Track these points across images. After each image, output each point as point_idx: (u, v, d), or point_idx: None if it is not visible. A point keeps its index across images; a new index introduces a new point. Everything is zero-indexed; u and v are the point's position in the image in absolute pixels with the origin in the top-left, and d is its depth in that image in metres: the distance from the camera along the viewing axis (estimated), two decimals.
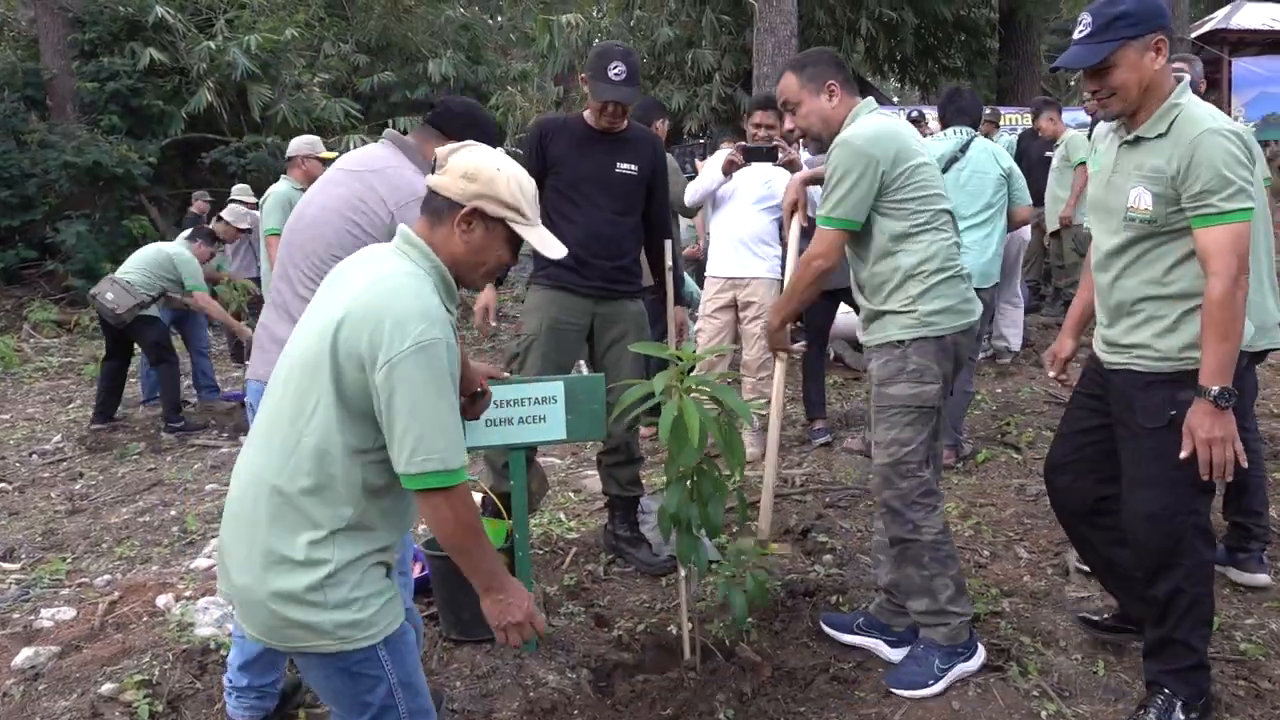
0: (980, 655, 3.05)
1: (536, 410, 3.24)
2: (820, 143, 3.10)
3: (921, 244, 2.95)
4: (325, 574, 1.89)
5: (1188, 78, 2.57)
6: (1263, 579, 3.53)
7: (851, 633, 3.31)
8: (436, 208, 2.05)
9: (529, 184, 2.08)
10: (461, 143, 2.13)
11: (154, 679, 3.11)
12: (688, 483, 3.01)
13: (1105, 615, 3.20)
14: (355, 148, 14.71)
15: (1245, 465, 2.49)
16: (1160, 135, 2.49)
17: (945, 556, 3.01)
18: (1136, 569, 2.77)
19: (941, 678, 2.97)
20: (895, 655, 3.17)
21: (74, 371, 9.37)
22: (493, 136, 2.83)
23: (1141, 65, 2.48)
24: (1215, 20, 15.82)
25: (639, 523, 4.09)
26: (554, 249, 2.13)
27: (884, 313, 3.00)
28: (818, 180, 3.45)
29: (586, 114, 3.81)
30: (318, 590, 1.89)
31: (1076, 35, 2.57)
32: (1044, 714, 2.82)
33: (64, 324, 11.36)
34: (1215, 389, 2.40)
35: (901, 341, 2.96)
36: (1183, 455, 2.46)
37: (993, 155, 4.98)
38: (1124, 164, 2.58)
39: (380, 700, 2.00)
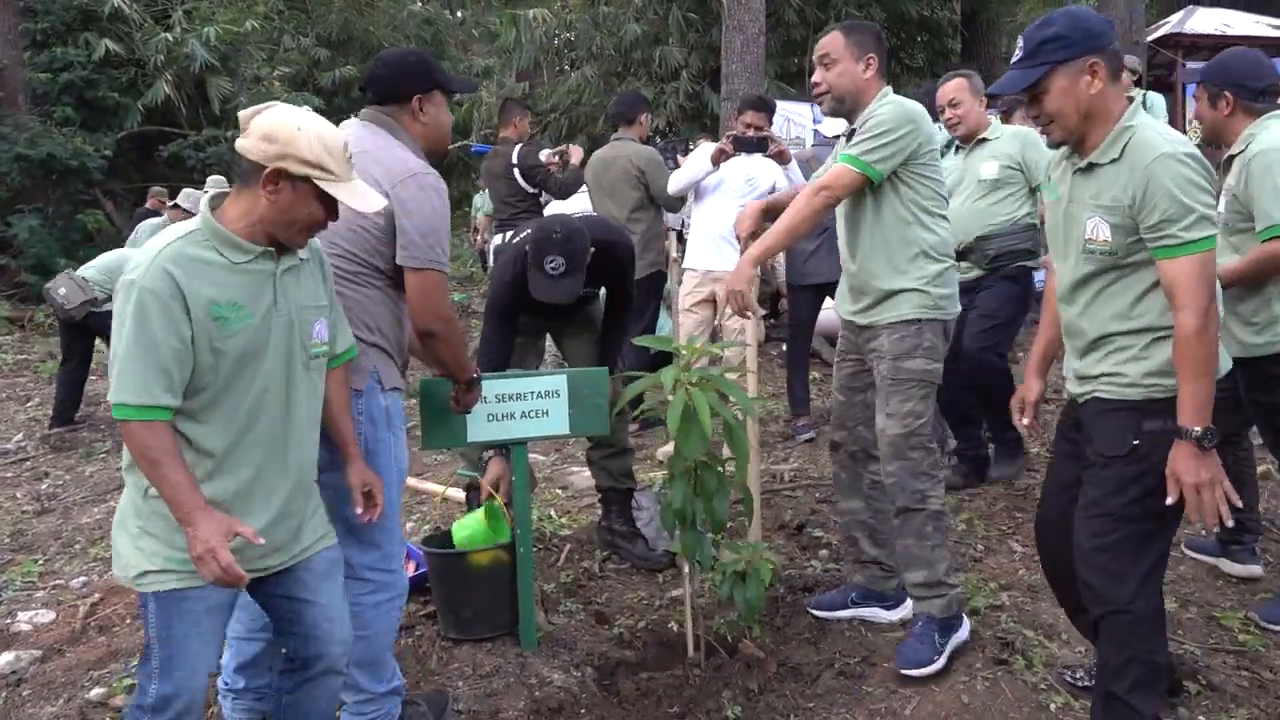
0: (967, 625, 3.16)
1: (539, 404, 3.19)
2: (841, 105, 3.10)
3: (940, 226, 3.08)
4: (133, 505, 2.11)
5: (1139, 98, 2.49)
6: (1256, 570, 3.58)
7: (846, 608, 3.40)
8: (244, 170, 2.11)
9: (334, 138, 2.12)
10: (266, 104, 2.16)
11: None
12: (692, 478, 3.00)
13: (1090, 677, 2.87)
14: None
15: (1240, 505, 2.32)
16: (1114, 161, 2.33)
17: (944, 528, 3.14)
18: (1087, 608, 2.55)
19: (943, 651, 3.04)
20: (893, 616, 3.33)
21: (29, 369, 9.11)
22: (429, 66, 2.75)
23: (1076, 91, 2.34)
24: (1169, 25, 16.14)
25: (634, 518, 4.04)
26: (367, 202, 2.17)
27: (897, 291, 3.03)
28: (777, 210, 3.39)
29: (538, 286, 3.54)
30: (131, 519, 2.12)
31: (1013, 58, 2.45)
32: (1052, 706, 2.82)
33: (17, 320, 11.03)
34: (1198, 430, 2.22)
35: (917, 320, 3.03)
36: (1169, 501, 2.27)
37: None
38: (1079, 193, 2.42)
39: (146, 648, 2.15)
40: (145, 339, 1.98)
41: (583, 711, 2.92)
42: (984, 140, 4.40)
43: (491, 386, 3.12)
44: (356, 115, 2.72)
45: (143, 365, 1.98)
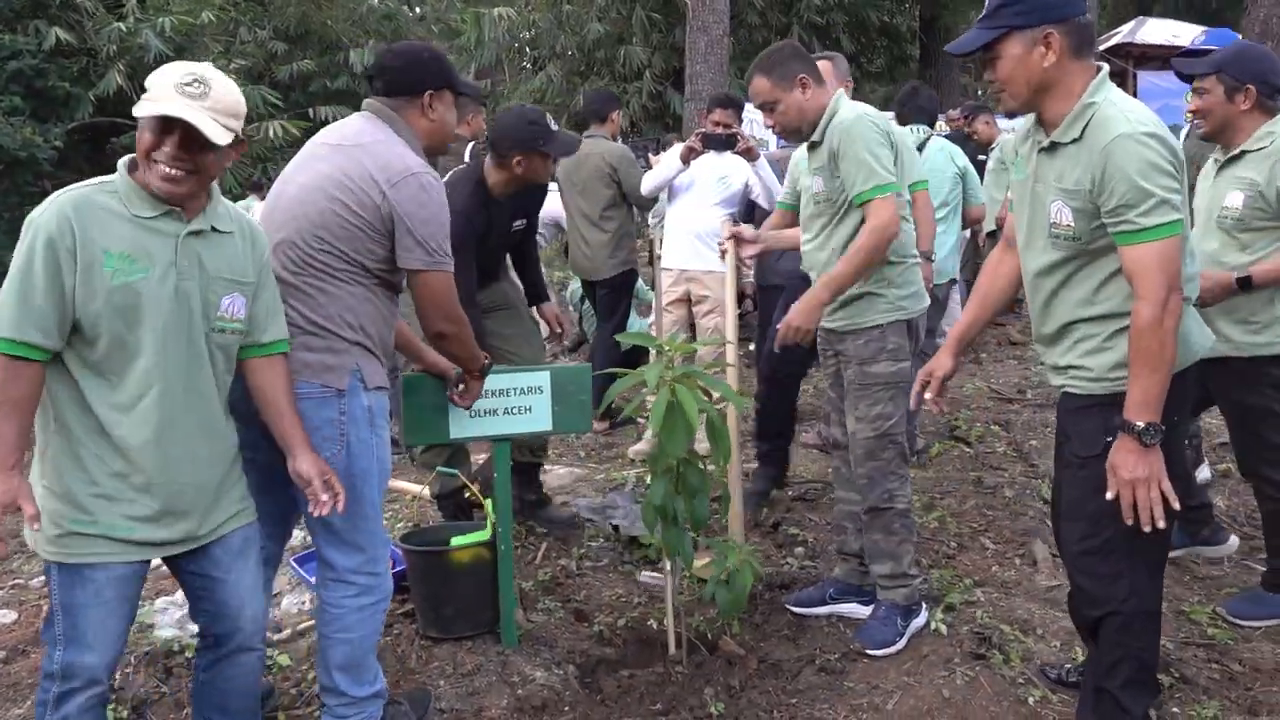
0: (925, 611, 3.29)
1: (522, 401, 3.16)
2: (801, 133, 3.19)
3: (905, 229, 3.13)
4: (37, 466, 2.12)
5: (1106, 68, 2.29)
6: (1234, 542, 3.63)
7: (824, 604, 3.45)
8: None
9: (172, 69, 2.12)
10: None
11: (116, 683, 2.94)
12: (674, 475, 2.99)
13: (1069, 673, 2.93)
14: (274, 135, 14.03)
15: (1177, 507, 2.23)
16: (1075, 141, 2.23)
17: (910, 524, 3.28)
18: (1077, 610, 2.57)
19: (903, 634, 3.19)
20: (867, 612, 3.36)
21: None
22: (443, 63, 2.73)
23: (1028, 60, 2.24)
24: (1121, 34, 16.47)
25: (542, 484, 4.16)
26: (162, 106, 2.09)
27: (862, 295, 3.12)
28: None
29: (491, 178, 3.65)
30: (36, 482, 2.11)
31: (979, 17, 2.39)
32: (1030, 700, 2.86)
33: None
34: (1141, 424, 2.16)
35: (880, 325, 3.14)
36: (1108, 495, 2.23)
37: (949, 154, 5.06)
38: (1044, 173, 2.34)
39: (50, 614, 2.16)
40: (28, 276, 2.01)
41: (566, 709, 2.90)
42: None
43: None
44: (363, 102, 2.68)
45: (19, 300, 2.01)
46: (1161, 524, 2.21)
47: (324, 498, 2.32)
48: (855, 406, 3.18)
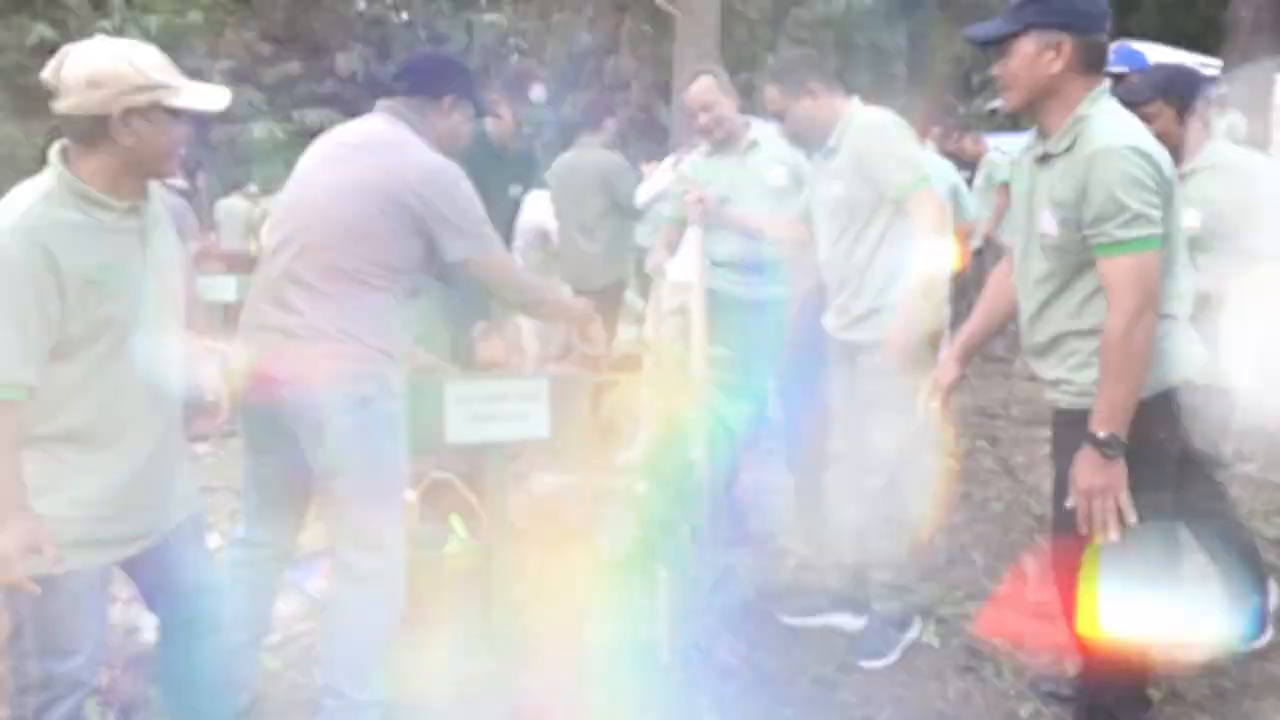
0: (918, 624, 3.30)
1: (518, 407, 3.14)
2: (814, 139, 3.20)
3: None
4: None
5: (1107, 82, 2.29)
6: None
7: (817, 615, 3.45)
8: (82, 131, 1.96)
9: (148, 50, 2.03)
10: (61, 53, 2.01)
11: (102, 687, 2.89)
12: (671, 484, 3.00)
13: (1062, 687, 2.95)
14: (260, 137, 13.94)
15: (1131, 521, 2.22)
16: (1066, 152, 2.26)
17: (915, 536, 3.27)
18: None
19: (896, 646, 3.20)
20: (862, 624, 3.34)
21: None
22: (469, 75, 2.78)
23: (1036, 62, 2.25)
24: None
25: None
26: (213, 99, 2.07)
27: (884, 308, 3.09)
28: None
29: (493, 130, 3.79)
30: None
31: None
32: (1023, 713, 2.88)
33: None
34: (1102, 434, 2.18)
35: None
36: (1067, 504, 2.26)
37: (941, 170, 5.09)
38: (1039, 184, 2.38)
39: (18, 627, 2.07)
40: (11, 317, 1.88)
41: (560, 717, 2.89)
42: (755, 142, 3.90)
43: (472, 388, 3.07)
44: (378, 103, 2.69)
45: (11, 346, 1.88)
46: (1114, 537, 2.21)
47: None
48: (876, 419, 3.14)
